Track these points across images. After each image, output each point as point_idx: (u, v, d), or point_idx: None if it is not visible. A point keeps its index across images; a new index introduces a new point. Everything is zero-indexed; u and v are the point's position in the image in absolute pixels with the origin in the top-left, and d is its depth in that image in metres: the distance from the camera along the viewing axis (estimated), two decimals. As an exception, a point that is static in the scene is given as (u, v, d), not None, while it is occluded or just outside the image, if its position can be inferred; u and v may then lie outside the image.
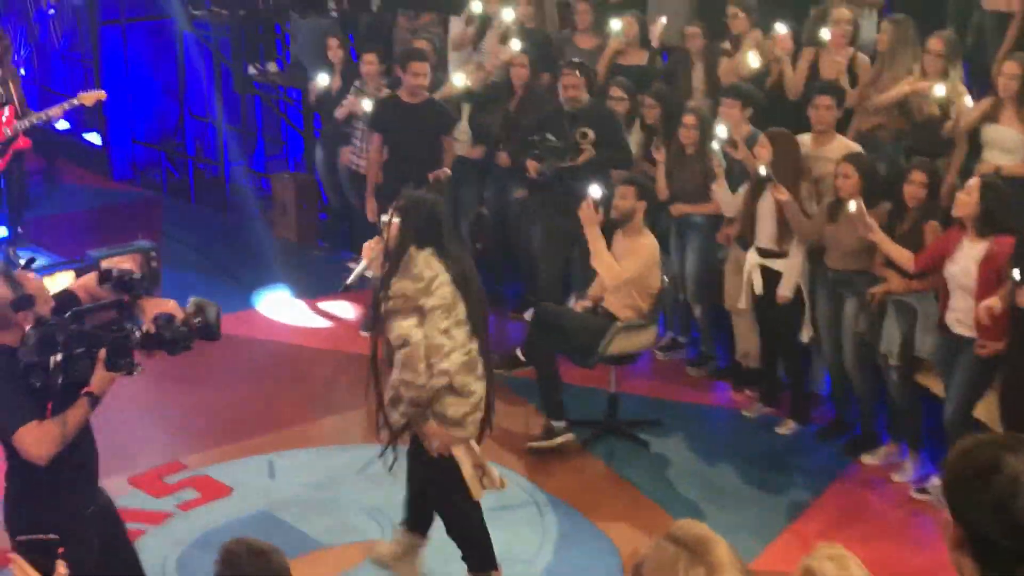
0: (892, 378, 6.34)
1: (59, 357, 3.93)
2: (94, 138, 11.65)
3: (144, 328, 4.06)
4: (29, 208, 9.53)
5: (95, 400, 4.04)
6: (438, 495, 5.22)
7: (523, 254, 8.29)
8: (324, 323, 8.40)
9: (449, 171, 7.74)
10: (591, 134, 7.34)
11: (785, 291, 6.71)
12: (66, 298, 4.28)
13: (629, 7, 8.50)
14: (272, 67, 10.55)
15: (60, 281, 6.55)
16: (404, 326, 4.88)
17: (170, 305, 4.13)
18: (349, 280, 5.51)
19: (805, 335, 6.78)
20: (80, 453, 4.15)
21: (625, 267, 6.57)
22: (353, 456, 6.53)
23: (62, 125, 10.94)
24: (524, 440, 6.67)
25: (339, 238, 9.68)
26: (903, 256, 6.11)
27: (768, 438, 6.85)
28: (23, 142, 8.72)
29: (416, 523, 5.40)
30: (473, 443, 5.10)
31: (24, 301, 4.01)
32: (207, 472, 6.41)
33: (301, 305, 8.60)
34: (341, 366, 7.63)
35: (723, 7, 7.89)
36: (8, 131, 8.55)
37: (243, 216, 10.34)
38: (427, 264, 4.90)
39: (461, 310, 4.93)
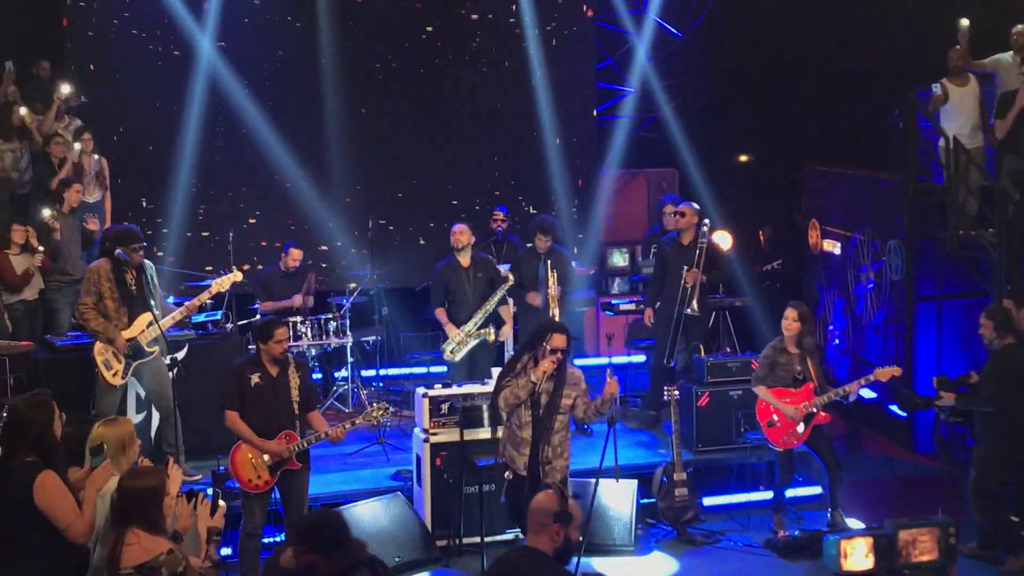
0: None
1: None
2: (899, 410, 11.83)
3: None
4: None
5: None
6: None
7: None
8: None
9: None
10: None
11: None
12: None
13: None
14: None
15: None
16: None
17: None
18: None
19: None
20: None
21: None
22: None
23: (868, 395, 11.28)
24: None
25: None
26: None
27: None
28: (822, 416, 9.14)
29: None
30: None
31: (565, 516, 4.97)
32: None
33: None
34: None
35: None
36: (809, 406, 9.03)
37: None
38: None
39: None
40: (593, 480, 9.20)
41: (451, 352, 10.13)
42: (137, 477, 5.58)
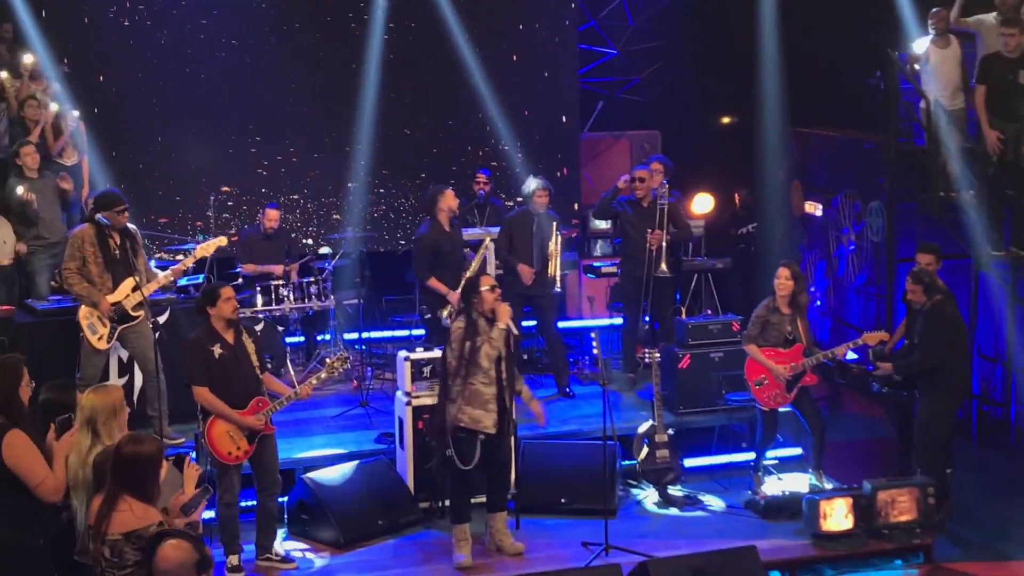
0: None
1: None
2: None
3: None
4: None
5: None
6: None
7: None
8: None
9: None
10: None
11: None
12: None
13: None
14: (1073, 311, 10.11)
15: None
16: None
17: None
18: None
19: None
20: None
21: None
22: None
23: (850, 355, 11.33)
24: None
25: None
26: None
27: None
28: (810, 378, 9.16)
29: None
30: None
31: (206, 563, 4.41)
32: None
33: None
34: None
35: None
36: (797, 367, 9.04)
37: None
38: None
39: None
40: (571, 441, 9.33)
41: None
42: (138, 443, 5.52)
